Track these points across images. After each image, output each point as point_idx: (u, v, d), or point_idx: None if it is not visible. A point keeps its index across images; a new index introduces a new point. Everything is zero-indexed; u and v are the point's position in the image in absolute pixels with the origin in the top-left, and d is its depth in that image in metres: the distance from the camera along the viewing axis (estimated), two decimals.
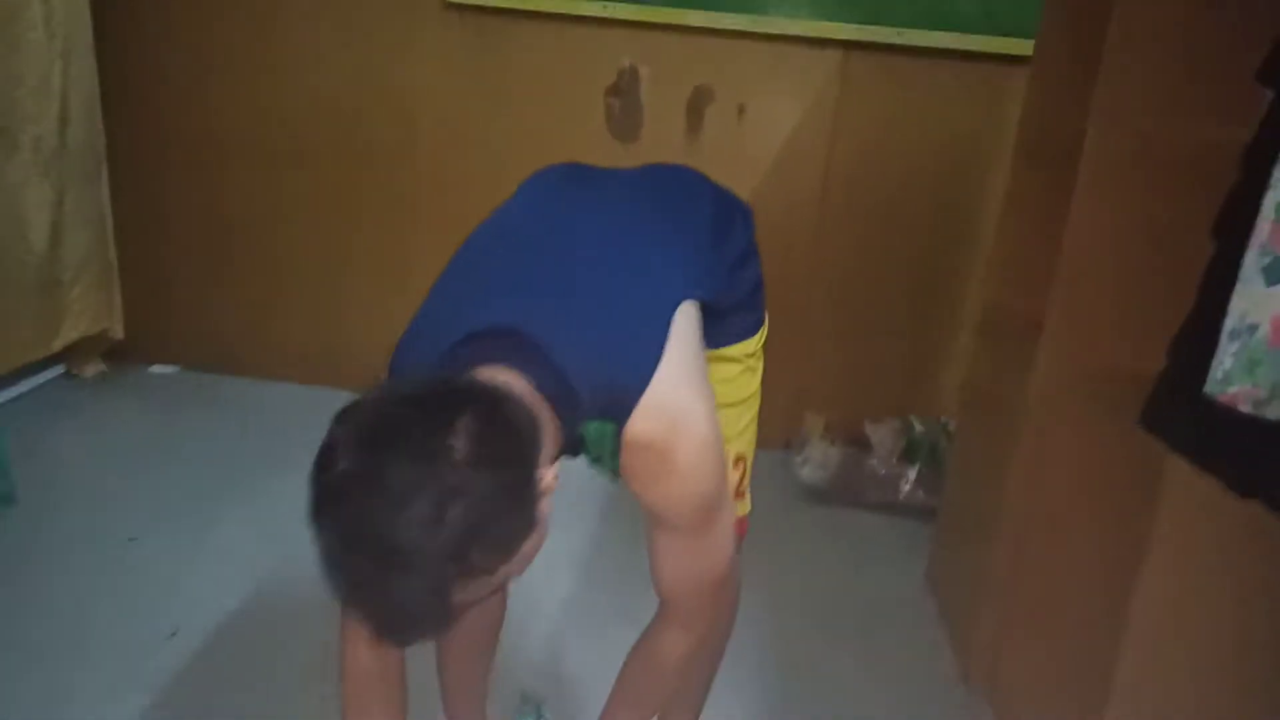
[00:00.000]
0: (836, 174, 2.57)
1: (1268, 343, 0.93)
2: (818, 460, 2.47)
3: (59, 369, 2.79)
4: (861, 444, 2.50)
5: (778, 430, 2.47)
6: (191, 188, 2.78)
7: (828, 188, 2.59)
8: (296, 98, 2.67)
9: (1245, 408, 0.97)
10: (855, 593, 2.08)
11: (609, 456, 0.95)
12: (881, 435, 2.51)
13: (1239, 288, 0.97)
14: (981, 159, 2.47)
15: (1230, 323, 0.98)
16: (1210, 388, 1.00)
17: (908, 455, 2.46)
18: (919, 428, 2.54)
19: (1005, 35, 2.33)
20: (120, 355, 2.86)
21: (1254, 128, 1.03)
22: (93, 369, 2.82)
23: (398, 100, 2.64)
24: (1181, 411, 1.05)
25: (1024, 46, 2.22)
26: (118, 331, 2.80)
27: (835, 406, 2.66)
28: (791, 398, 2.65)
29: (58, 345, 2.62)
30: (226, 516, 2.08)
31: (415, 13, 2.57)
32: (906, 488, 2.43)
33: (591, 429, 0.96)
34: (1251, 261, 0.96)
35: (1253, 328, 0.95)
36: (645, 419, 0.88)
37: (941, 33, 2.36)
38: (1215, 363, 0.99)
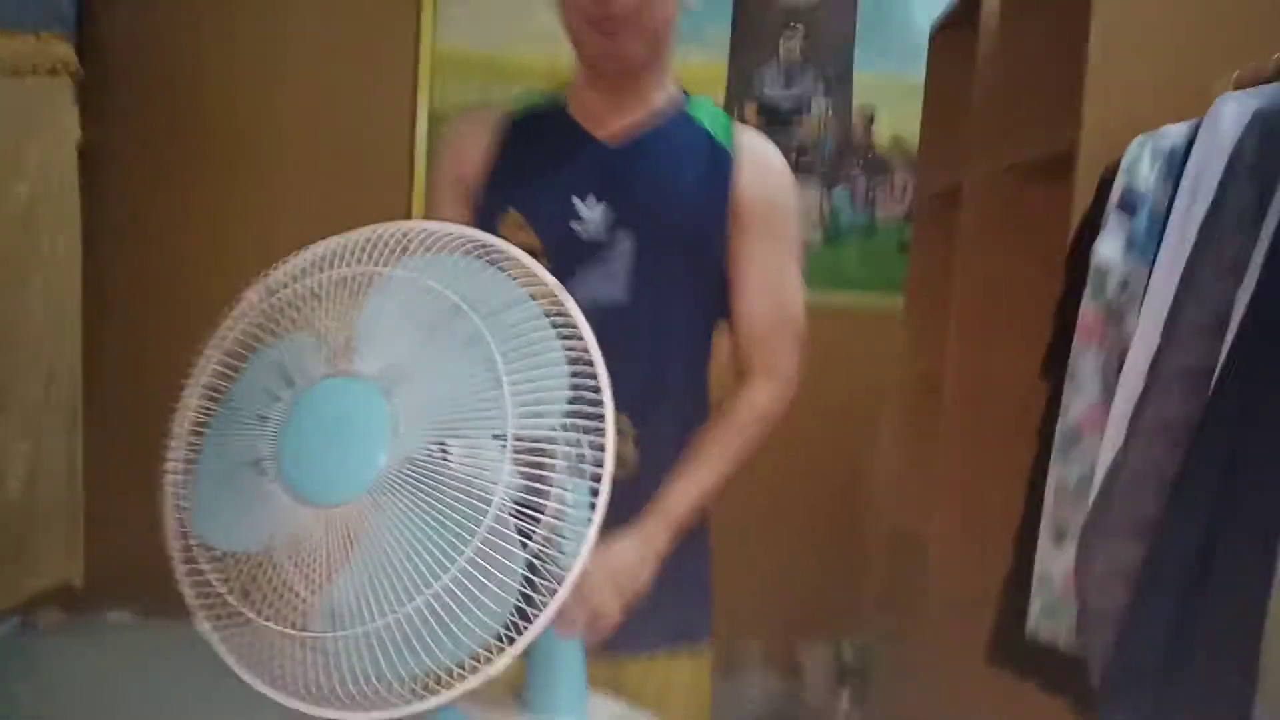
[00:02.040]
0: None
1: (1059, 591, 1.17)
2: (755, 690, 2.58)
3: (14, 619, 2.84)
4: (795, 669, 2.63)
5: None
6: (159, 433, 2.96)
7: None
8: None
9: (1053, 640, 1.19)
10: None
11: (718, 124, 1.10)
12: (814, 662, 2.64)
13: (1039, 547, 1.22)
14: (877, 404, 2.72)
15: (1036, 575, 1.22)
16: (1030, 626, 1.22)
17: (839, 680, 2.59)
18: (849, 653, 2.68)
19: (887, 292, 2.67)
20: (78, 602, 2.92)
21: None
22: (51, 617, 2.88)
23: None
24: (1014, 648, 1.26)
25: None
26: (78, 580, 2.88)
27: (767, 628, 2.78)
28: (724, 621, 2.78)
29: (22, 596, 2.70)
30: None
31: None
32: (840, 718, 2.54)
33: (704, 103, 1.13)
34: (1045, 526, 1.22)
35: (1049, 580, 1.19)
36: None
37: (836, 292, 2.70)
38: (1031, 608, 1.22)
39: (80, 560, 2.89)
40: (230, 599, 0.75)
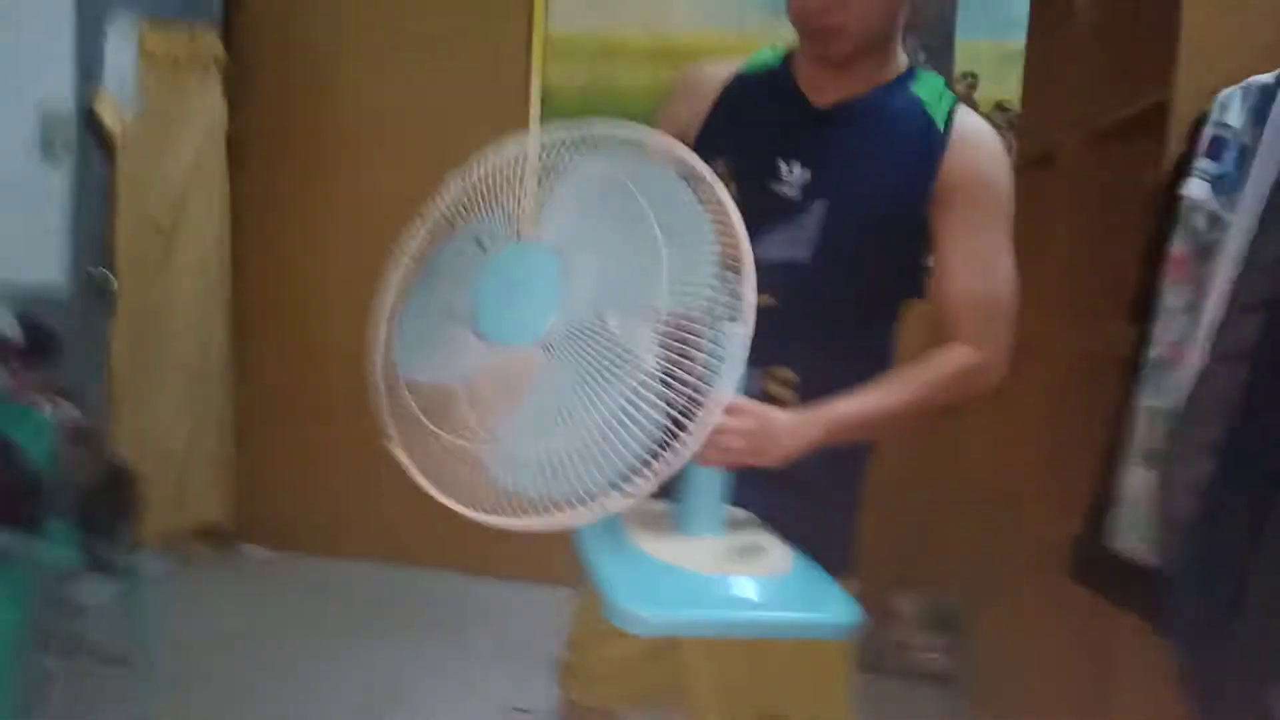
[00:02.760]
0: None
1: (1147, 510, 1.25)
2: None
3: (171, 555, 3.16)
4: (888, 613, 2.73)
5: None
6: (302, 385, 3.21)
7: None
8: None
9: (1139, 559, 1.27)
10: None
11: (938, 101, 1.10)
12: (906, 605, 2.74)
13: (1127, 470, 1.30)
14: None
15: (1124, 496, 1.30)
16: (1113, 542, 1.31)
17: (932, 625, 2.68)
18: (943, 603, 2.77)
19: None
20: (223, 536, 3.22)
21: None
22: (202, 552, 3.19)
23: None
24: (1098, 563, 1.35)
25: None
26: (229, 523, 3.19)
27: (864, 578, 2.88)
28: None
29: (181, 535, 3.01)
30: (318, 695, 2.35)
31: None
32: (935, 656, 2.63)
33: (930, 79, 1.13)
34: (1136, 450, 1.30)
35: (1136, 500, 1.27)
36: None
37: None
38: (1116, 525, 1.31)
39: (231, 504, 3.19)
40: (423, 418, 0.91)
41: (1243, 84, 1.21)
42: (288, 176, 3.29)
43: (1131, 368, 1.36)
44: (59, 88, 2.53)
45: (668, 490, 0.88)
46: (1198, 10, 1.39)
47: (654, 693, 1.24)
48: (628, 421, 0.80)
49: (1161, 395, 1.27)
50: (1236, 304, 1.06)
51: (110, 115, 2.71)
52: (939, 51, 2.56)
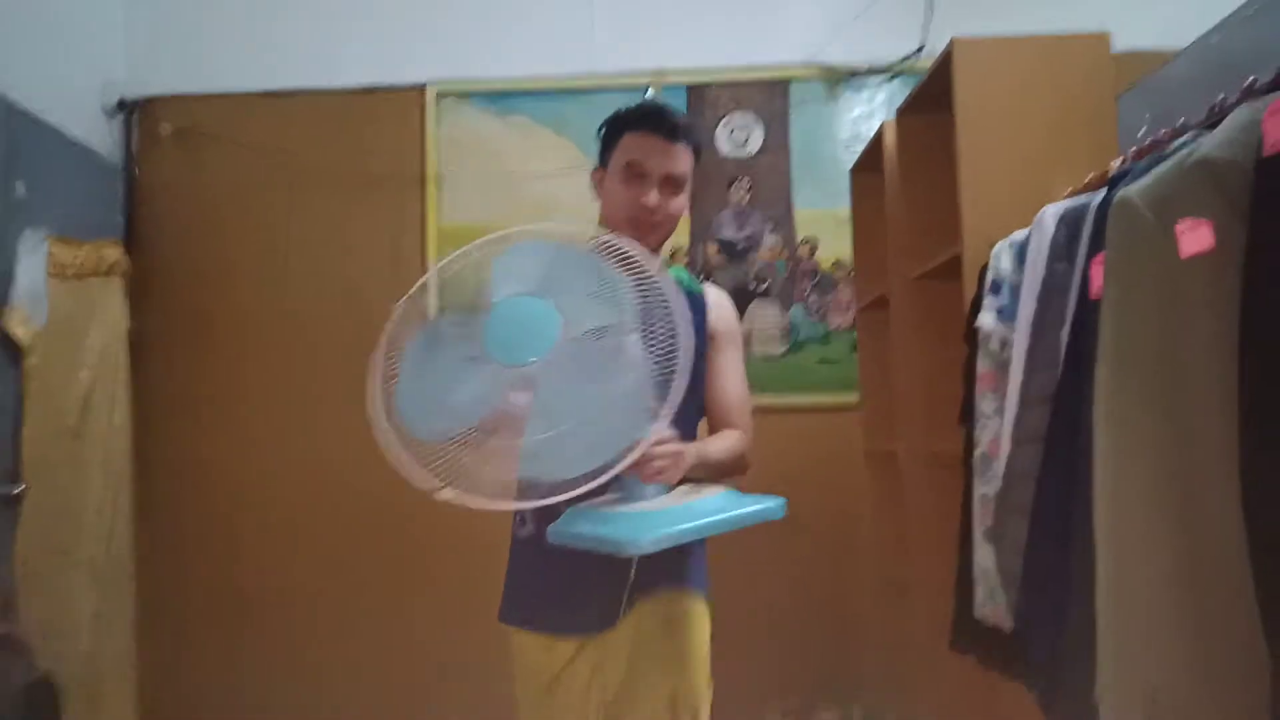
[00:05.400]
0: None
1: (994, 579, 1.53)
2: None
3: None
4: None
5: None
6: (210, 592, 3.24)
7: None
8: (321, 500, 3.26)
9: (997, 621, 1.54)
10: None
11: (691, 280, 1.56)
12: (828, 718, 2.91)
13: (975, 547, 1.59)
14: (849, 475, 3.11)
15: (976, 569, 1.58)
16: (977, 612, 1.57)
17: None
18: (858, 714, 2.95)
19: (843, 391, 3.09)
20: None
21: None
22: None
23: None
24: (967, 631, 1.61)
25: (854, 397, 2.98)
26: None
27: (783, 696, 3.03)
28: (748, 692, 3.04)
29: None
30: None
31: None
32: None
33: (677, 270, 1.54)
34: (976, 530, 1.59)
35: (987, 571, 1.55)
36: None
37: (799, 394, 3.12)
38: (975, 596, 1.58)
39: (134, 709, 3.09)
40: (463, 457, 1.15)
41: (1008, 239, 1.60)
42: (190, 370, 3.40)
43: (965, 463, 1.67)
44: None
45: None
46: (970, 186, 1.81)
47: None
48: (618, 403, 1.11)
49: (988, 483, 1.58)
50: (1027, 400, 1.39)
51: (21, 329, 2.81)
52: (782, 221, 3.01)
